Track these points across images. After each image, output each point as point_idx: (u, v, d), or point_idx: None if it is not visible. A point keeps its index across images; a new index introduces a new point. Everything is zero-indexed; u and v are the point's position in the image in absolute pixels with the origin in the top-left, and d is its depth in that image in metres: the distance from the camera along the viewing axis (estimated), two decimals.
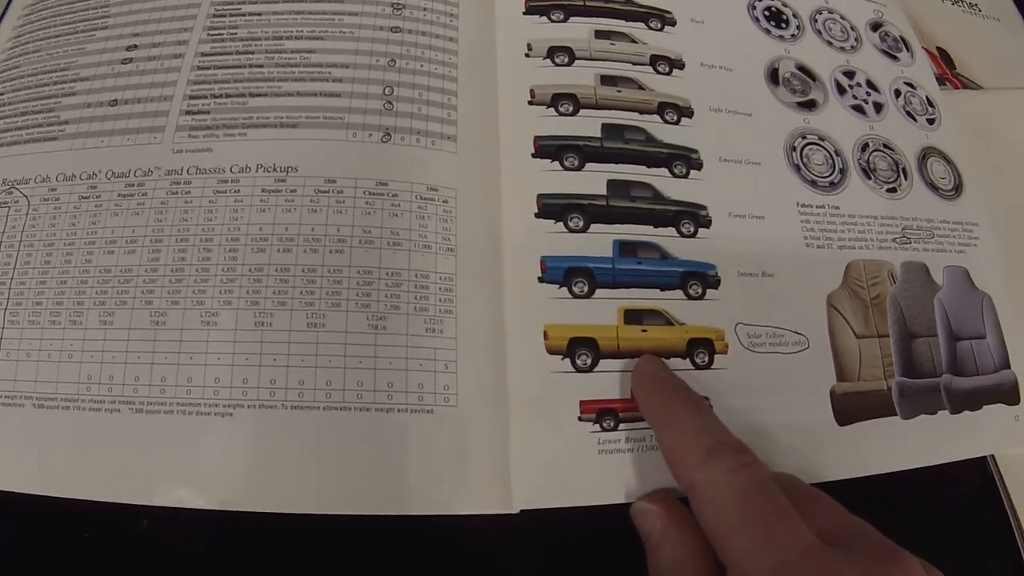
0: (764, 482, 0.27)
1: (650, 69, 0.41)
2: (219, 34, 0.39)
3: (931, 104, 0.47)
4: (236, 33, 0.38)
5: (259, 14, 0.39)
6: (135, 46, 0.39)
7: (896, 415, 0.38)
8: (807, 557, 0.25)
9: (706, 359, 0.35)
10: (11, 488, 0.30)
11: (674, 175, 0.38)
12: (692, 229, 0.37)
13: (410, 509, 0.31)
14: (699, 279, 0.36)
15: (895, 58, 0.48)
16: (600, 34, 0.41)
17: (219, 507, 0.30)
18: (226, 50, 0.38)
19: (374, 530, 0.31)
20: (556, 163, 0.37)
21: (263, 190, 0.34)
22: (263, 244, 0.33)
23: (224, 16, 0.39)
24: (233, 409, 0.31)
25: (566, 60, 0.40)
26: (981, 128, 0.47)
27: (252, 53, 0.38)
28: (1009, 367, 0.41)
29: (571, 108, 0.38)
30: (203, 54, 0.38)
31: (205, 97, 0.37)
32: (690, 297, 0.36)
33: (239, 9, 0.39)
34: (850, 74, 0.46)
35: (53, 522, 0.31)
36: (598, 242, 0.36)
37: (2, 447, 0.31)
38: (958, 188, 0.45)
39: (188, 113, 0.36)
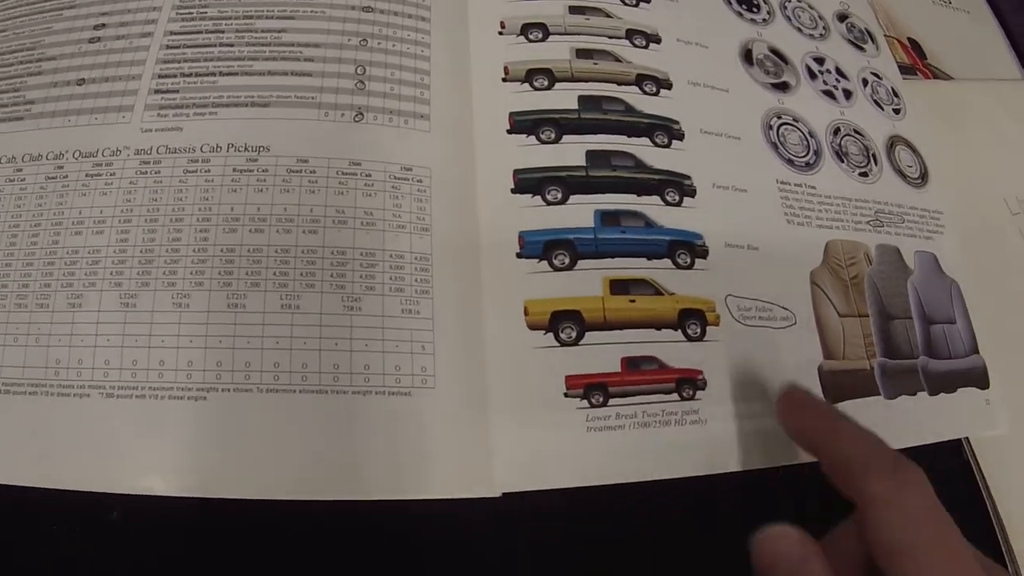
0: (940, 504, 0.26)
1: (626, 42, 0.40)
2: (189, 13, 0.38)
3: (896, 95, 0.48)
4: (206, 12, 0.38)
5: None
6: (103, 25, 0.38)
7: (880, 395, 0.38)
8: None
9: (698, 330, 0.34)
10: None
11: (656, 145, 0.38)
12: (677, 198, 0.37)
13: (389, 494, 0.30)
14: (687, 248, 0.36)
15: (861, 48, 0.49)
16: (574, 9, 0.40)
17: (191, 494, 0.29)
18: (196, 29, 0.37)
19: (354, 516, 0.30)
20: (532, 138, 0.36)
21: (234, 170, 0.34)
22: (235, 224, 0.33)
23: None
24: (207, 393, 0.30)
25: (540, 36, 0.39)
26: (949, 117, 0.48)
27: (222, 32, 0.37)
28: (978, 352, 0.41)
29: (546, 82, 0.38)
30: (172, 33, 0.37)
31: (175, 76, 0.36)
32: (679, 267, 0.35)
33: None
34: (820, 60, 0.46)
35: (17, 514, 0.30)
36: (578, 214, 0.35)
37: None
38: (924, 176, 0.45)
39: (157, 92, 0.36)
